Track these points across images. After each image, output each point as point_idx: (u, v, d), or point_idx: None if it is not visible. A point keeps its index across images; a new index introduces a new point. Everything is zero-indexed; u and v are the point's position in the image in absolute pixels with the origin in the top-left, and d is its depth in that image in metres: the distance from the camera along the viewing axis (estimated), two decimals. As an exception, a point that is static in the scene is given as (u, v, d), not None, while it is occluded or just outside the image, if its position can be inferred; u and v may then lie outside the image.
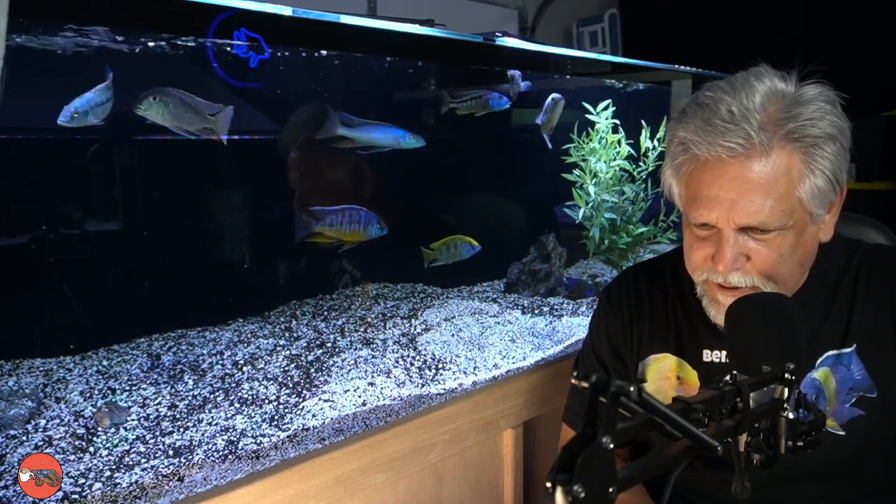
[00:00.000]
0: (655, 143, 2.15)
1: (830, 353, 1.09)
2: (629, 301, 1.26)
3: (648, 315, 1.23)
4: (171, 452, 1.12)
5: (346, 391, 1.37)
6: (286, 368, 1.48)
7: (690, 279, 1.11)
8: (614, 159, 2.13)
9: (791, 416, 0.79)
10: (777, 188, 0.96)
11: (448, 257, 1.91)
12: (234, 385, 1.39)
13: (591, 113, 2.12)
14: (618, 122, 2.14)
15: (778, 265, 1.00)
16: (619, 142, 2.13)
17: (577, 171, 2.15)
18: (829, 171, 0.98)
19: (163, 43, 1.50)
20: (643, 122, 2.17)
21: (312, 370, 1.47)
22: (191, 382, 1.39)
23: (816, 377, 1.09)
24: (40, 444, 1.13)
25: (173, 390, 1.35)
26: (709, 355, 1.16)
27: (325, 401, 1.33)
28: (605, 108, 2.12)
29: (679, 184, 1.06)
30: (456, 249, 1.90)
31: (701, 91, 1.03)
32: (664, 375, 1.20)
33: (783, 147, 0.96)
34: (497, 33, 1.79)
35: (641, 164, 2.17)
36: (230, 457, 1.12)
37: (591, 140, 2.12)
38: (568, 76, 2.41)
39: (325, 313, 1.84)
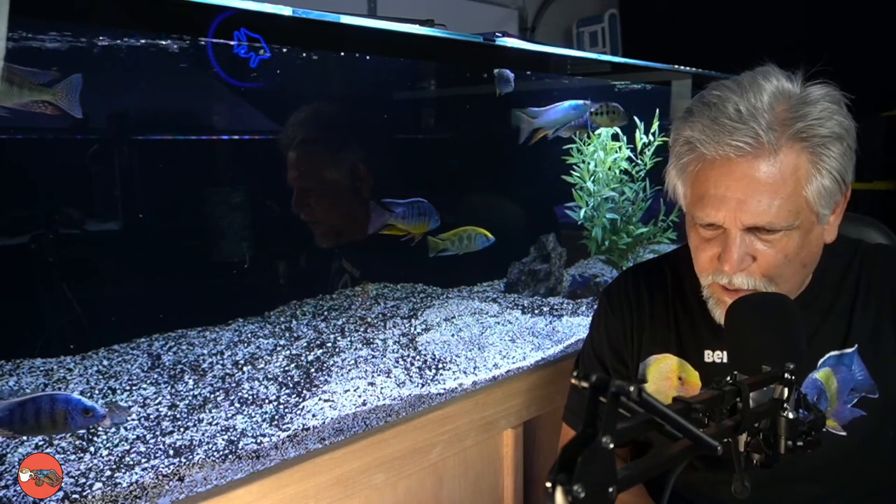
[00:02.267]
0: (651, 137, 2.14)
1: (832, 353, 1.09)
2: (629, 301, 1.25)
3: (649, 315, 1.23)
4: (171, 452, 1.12)
5: (346, 391, 1.37)
6: (286, 368, 1.48)
7: (691, 279, 1.11)
8: (614, 160, 2.13)
9: (791, 415, 0.79)
10: (784, 188, 0.96)
11: (459, 248, 1.82)
12: (234, 385, 1.39)
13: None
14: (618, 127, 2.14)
15: (782, 266, 1.00)
16: (619, 147, 2.12)
17: (576, 172, 2.14)
18: (836, 170, 0.98)
19: (172, 43, 1.49)
20: (642, 121, 2.17)
21: (312, 370, 1.47)
22: (191, 382, 1.39)
23: (818, 377, 1.09)
24: (41, 443, 1.13)
25: (173, 390, 1.35)
26: (710, 356, 1.16)
27: (325, 400, 1.33)
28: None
29: (685, 184, 1.05)
30: (470, 241, 1.82)
31: (707, 90, 1.02)
32: (665, 376, 1.20)
33: (791, 147, 0.96)
34: (497, 33, 1.79)
35: (639, 161, 2.17)
36: (230, 456, 1.12)
37: (591, 141, 2.12)
38: (568, 76, 2.40)
39: (326, 313, 1.83)
